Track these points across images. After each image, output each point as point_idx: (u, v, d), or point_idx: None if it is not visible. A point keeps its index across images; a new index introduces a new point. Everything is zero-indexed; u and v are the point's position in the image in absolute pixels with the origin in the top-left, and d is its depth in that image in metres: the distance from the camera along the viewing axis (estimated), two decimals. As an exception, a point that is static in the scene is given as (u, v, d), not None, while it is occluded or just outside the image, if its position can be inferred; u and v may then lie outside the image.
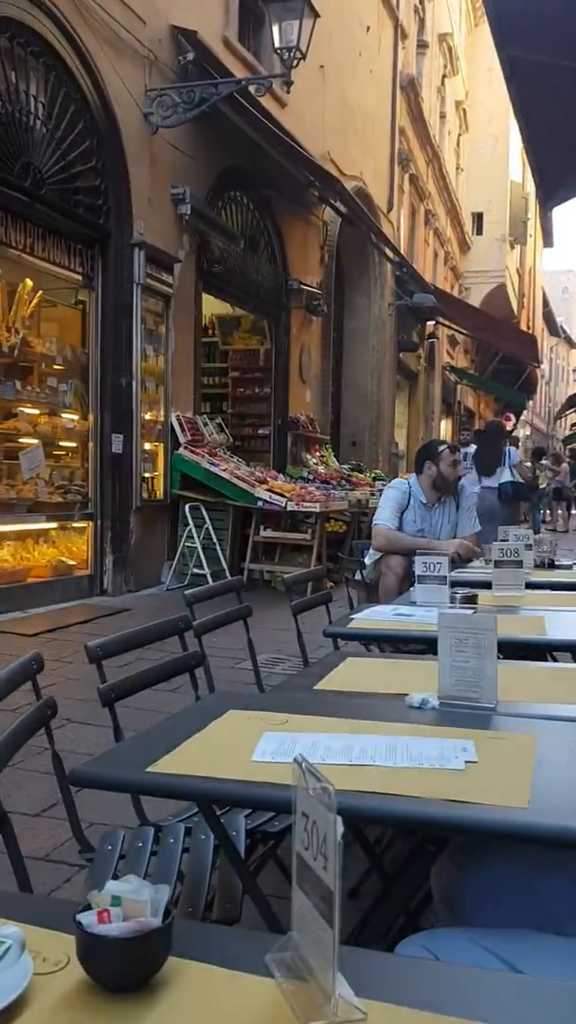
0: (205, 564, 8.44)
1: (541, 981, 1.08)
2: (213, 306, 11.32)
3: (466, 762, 1.60)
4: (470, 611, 2.89)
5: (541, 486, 18.50)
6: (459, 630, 2.08)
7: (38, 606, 7.21)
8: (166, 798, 1.95)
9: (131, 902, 0.96)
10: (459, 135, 26.95)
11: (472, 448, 10.96)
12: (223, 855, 1.87)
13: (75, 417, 8.23)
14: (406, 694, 2.08)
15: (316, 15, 8.96)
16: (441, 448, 5.07)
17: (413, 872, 1.80)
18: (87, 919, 0.95)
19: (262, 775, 1.54)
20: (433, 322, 20.72)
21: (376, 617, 3.28)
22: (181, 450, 8.90)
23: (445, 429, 25.58)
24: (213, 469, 8.78)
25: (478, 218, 28.51)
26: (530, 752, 1.67)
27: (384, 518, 4.96)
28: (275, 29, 8.73)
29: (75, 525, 8.15)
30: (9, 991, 0.91)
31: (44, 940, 1.02)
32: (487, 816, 1.40)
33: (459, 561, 4.84)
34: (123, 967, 0.94)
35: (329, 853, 0.90)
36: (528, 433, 37.66)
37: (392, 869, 2.20)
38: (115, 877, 1.85)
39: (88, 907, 0.97)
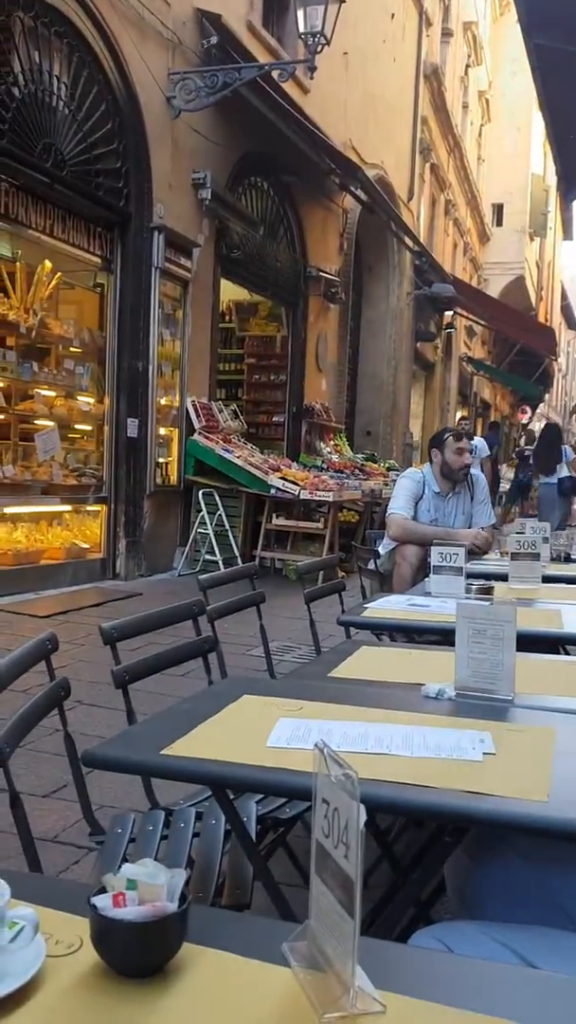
0: (217, 551, 8.44)
1: (557, 977, 1.06)
2: (231, 292, 11.29)
3: (484, 753, 1.58)
4: (487, 603, 2.86)
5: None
6: (477, 621, 2.05)
7: (51, 588, 7.22)
8: (180, 781, 1.94)
9: (147, 886, 0.94)
10: (481, 125, 26.77)
11: (477, 440, 11.54)
12: (234, 840, 1.86)
13: (91, 400, 8.23)
14: (421, 684, 2.06)
15: (341, 0, 8.89)
16: (446, 436, 5.01)
17: (428, 863, 1.78)
18: (102, 902, 0.93)
19: (277, 761, 1.52)
20: (451, 312, 20.65)
21: (390, 607, 3.26)
22: (195, 436, 8.89)
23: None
24: (227, 456, 8.76)
25: (498, 209, 28.34)
26: (549, 745, 1.65)
27: (399, 507, 4.92)
28: (300, 14, 8.66)
29: (89, 508, 8.15)
30: (22, 972, 0.90)
31: (57, 922, 1.01)
32: (506, 808, 1.38)
33: (477, 552, 4.81)
34: (138, 952, 0.92)
35: (351, 841, 0.88)
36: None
37: (403, 859, 2.19)
38: (125, 860, 1.85)
39: (103, 890, 0.95)
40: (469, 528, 5.03)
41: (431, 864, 1.75)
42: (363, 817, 0.87)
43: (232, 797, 1.93)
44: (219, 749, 1.58)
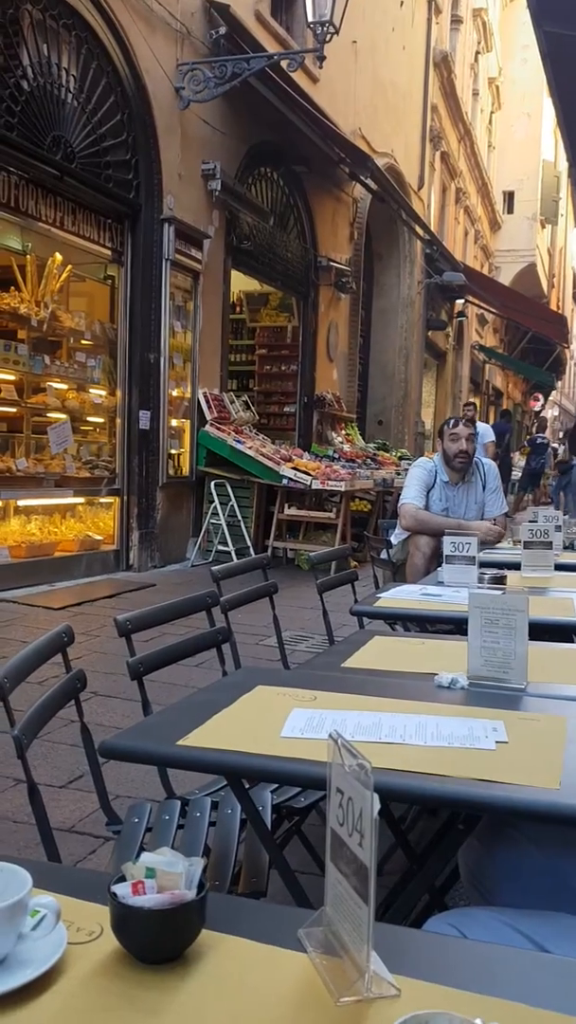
0: (230, 541, 8.46)
1: (569, 961, 1.08)
2: (241, 283, 11.29)
3: (496, 742, 1.59)
4: (499, 592, 2.87)
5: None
6: (490, 610, 2.06)
7: (65, 580, 7.26)
8: (198, 771, 1.96)
9: (165, 874, 0.96)
10: (492, 112, 26.64)
11: (481, 426, 11.75)
12: (250, 829, 1.88)
13: (103, 393, 8.25)
14: (434, 673, 2.07)
15: (350, -12, 8.84)
16: (446, 424, 4.99)
17: (441, 850, 1.79)
18: (122, 890, 0.95)
19: (291, 751, 1.54)
20: (462, 301, 20.58)
21: (403, 596, 3.27)
22: (207, 427, 8.90)
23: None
24: (239, 447, 8.77)
25: (509, 197, 28.22)
26: (561, 733, 1.66)
27: (411, 497, 4.90)
28: (308, 3, 8.62)
29: (102, 500, 8.19)
30: (45, 960, 0.92)
31: (77, 910, 1.03)
32: (518, 796, 1.39)
33: (490, 542, 4.81)
34: (157, 939, 0.94)
35: (365, 829, 0.89)
36: (556, 414, 37.36)
37: (418, 847, 2.21)
38: (142, 850, 1.87)
39: (122, 878, 0.97)
40: (482, 517, 5.02)
41: (445, 851, 1.76)
42: (377, 806, 0.88)
43: (247, 787, 1.95)
44: (234, 739, 1.60)
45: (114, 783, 3.13)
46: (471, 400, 15.43)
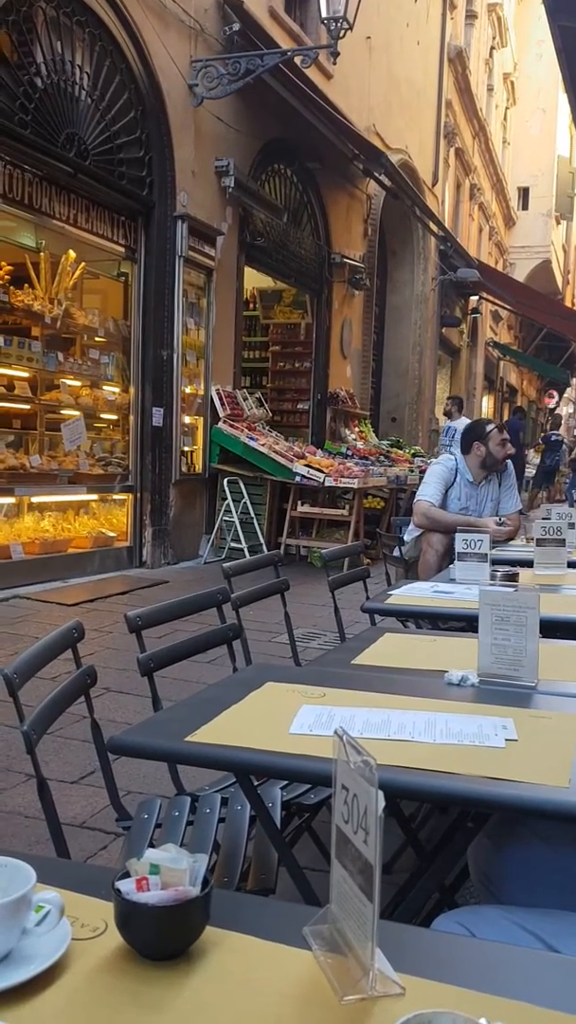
0: (242, 538, 8.47)
1: (579, 961, 1.07)
2: (255, 279, 11.29)
3: (506, 740, 1.58)
4: (511, 589, 2.86)
5: None
6: (500, 607, 2.05)
7: (78, 576, 7.28)
8: (206, 768, 1.96)
9: (169, 870, 0.96)
10: (506, 108, 26.54)
11: (457, 422, 11.86)
12: (259, 826, 1.88)
13: (116, 390, 8.27)
14: (445, 671, 2.06)
15: (364, -16, 8.82)
16: (489, 428, 5.01)
17: (450, 849, 1.79)
18: (126, 886, 0.95)
19: (300, 747, 1.53)
20: (477, 297, 20.52)
21: (415, 593, 3.26)
22: (220, 424, 8.91)
23: (487, 405, 25.37)
24: (252, 444, 8.77)
25: (524, 193, 28.12)
26: (572, 731, 1.65)
27: (428, 494, 4.90)
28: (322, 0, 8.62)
29: (115, 497, 8.20)
30: (49, 955, 0.92)
31: (82, 906, 1.02)
32: (527, 794, 1.39)
33: (502, 539, 4.81)
34: (160, 935, 0.94)
35: (370, 827, 0.89)
36: (571, 411, 37.19)
37: (428, 845, 2.20)
38: (151, 846, 1.87)
39: (126, 874, 0.97)
40: (497, 514, 5.03)
41: (453, 849, 1.75)
42: (382, 803, 0.88)
43: (257, 783, 1.95)
44: (243, 736, 1.60)
45: (125, 779, 3.14)
46: (451, 396, 15.33)
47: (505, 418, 22.15)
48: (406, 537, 5.09)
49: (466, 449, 5.05)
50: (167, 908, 0.93)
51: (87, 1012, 0.86)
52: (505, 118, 26.48)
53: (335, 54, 8.87)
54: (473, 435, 5.06)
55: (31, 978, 0.89)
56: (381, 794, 0.88)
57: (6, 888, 0.96)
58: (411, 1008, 0.80)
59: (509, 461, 5.27)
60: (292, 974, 0.92)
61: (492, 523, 4.81)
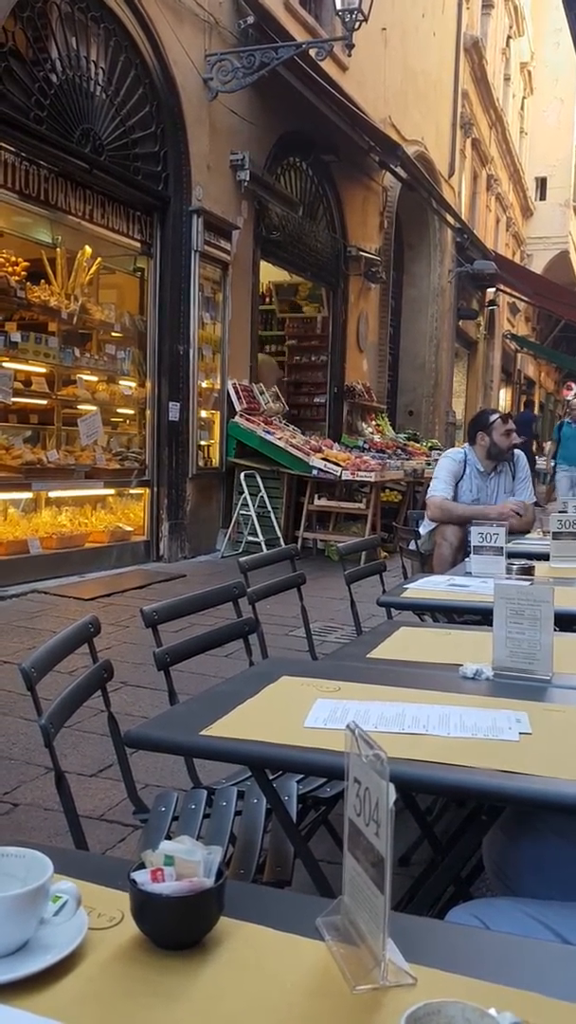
0: (259, 532, 8.48)
1: (592, 953, 1.08)
2: (270, 273, 11.27)
3: (520, 733, 1.59)
4: (527, 582, 2.86)
5: None
6: (515, 601, 2.06)
7: (95, 571, 7.31)
8: (220, 761, 1.97)
9: (184, 862, 0.97)
10: (523, 98, 26.38)
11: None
12: (275, 819, 1.89)
13: (133, 384, 8.29)
14: (460, 664, 2.07)
15: (379, -25, 8.79)
16: (493, 418, 5.02)
17: (465, 841, 1.80)
18: (141, 877, 0.96)
19: (314, 741, 1.55)
20: (494, 289, 20.42)
21: (430, 587, 3.26)
22: (237, 418, 8.92)
23: (504, 398, 25.26)
24: (268, 437, 8.78)
25: (541, 183, 27.96)
26: (585, 725, 1.65)
27: (439, 489, 4.91)
28: (337, -9, 8.60)
29: (132, 492, 8.23)
30: (66, 944, 0.94)
31: (99, 896, 1.04)
32: (541, 788, 1.39)
33: (516, 524, 4.81)
34: (175, 925, 0.95)
35: (381, 819, 0.90)
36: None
37: (444, 838, 2.21)
38: (168, 838, 1.88)
39: (142, 866, 0.98)
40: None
41: (468, 842, 1.76)
42: (393, 796, 0.89)
43: (272, 777, 1.97)
44: (258, 730, 1.61)
45: (143, 772, 3.16)
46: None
47: (522, 411, 22.03)
48: (422, 530, 5.09)
49: (472, 439, 5.06)
50: (181, 898, 0.94)
51: (103, 1000, 0.88)
52: (522, 108, 26.31)
53: (350, 46, 8.84)
54: (477, 425, 5.07)
55: (49, 966, 0.91)
56: (392, 787, 0.89)
57: (24, 878, 0.98)
58: (422, 998, 0.81)
59: (522, 453, 5.27)
60: (305, 964, 0.94)
61: (505, 506, 4.81)
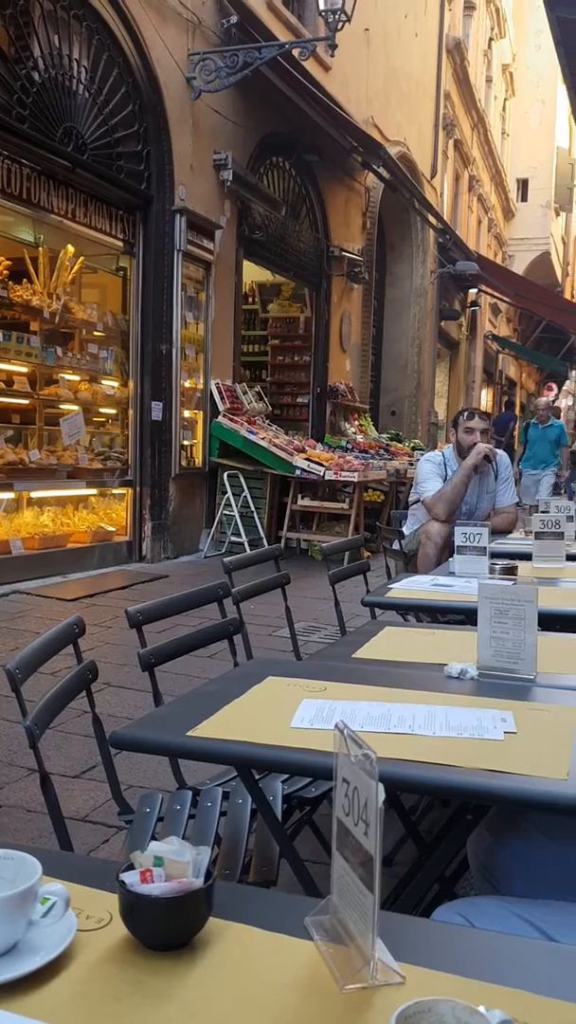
0: (243, 532, 8.48)
1: (577, 951, 1.08)
2: (253, 273, 11.27)
3: (505, 732, 1.60)
4: (510, 582, 2.87)
5: None
6: (499, 601, 2.07)
7: (77, 571, 7.29)
8: (206, 762, 1.97)
9: (173, 863, 0.97)
10: (505, 99, 26.48)
11: None
12: (260, 819, 1.89)
13: (115, 384, 8.27)
14: (444, 664, 2.08)
15: (361, -24, 8.80)
16: (461, 416, 5.02)
17: (450, 840, 1.80)
18: (130, 878, 0.96)
19: (301, 741, 1.55)
20: (475, 290, 20.49)
21: (414, 587, 3.27)
22: (220, 418, 8.91)
23: (486, 398, 25.35)
24: (252, 437, 8.78)
25: (523, 184, 28.05)
26: (570, 723, 1.66)
27: (429, 489, 4.86)
28: (320, -9, 8.60)
29: (114, 492, 8.21)
30: (55, 946, 0.93)
31: (87, 898, 1.04)
32: (525, 786, 1.40)
33: (499, 524, 4.82)
34: (164, 926, 0.95)
35: (370, 819, 0.90)
36: (571, 403, 37.16)
37: (428, 837, 2.22)
38: (154, 839, 1.88)
39: (131, 867, 0.98)
40: (494, 507, 5.03)
41: (453, 841, 1.77)
42: (382, 796, 0.89)
43: (258, 777, 1.97)
44: (244, 730, 1.61)
45: (127, 773, 3.15)
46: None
47: (502, 411, 22.11)
48: (405, 530, 5.09)
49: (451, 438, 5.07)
50: (171, 899, 0.94)
51: (93, 1001, 0.88)
52: (504, 109, 26.41)
53: (333, 46, 8.84)
54: (453, 423, 5.09)
55: (38, 968, 0.91)
56: (381, 787, 0.89)
57: (13, 880, 0.98)
58: (411, 996, 0.81)
59: (504, 454, 5.27)
60: (294, 964, 0.94)
61: (480, 450, 4.79)
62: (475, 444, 4.84)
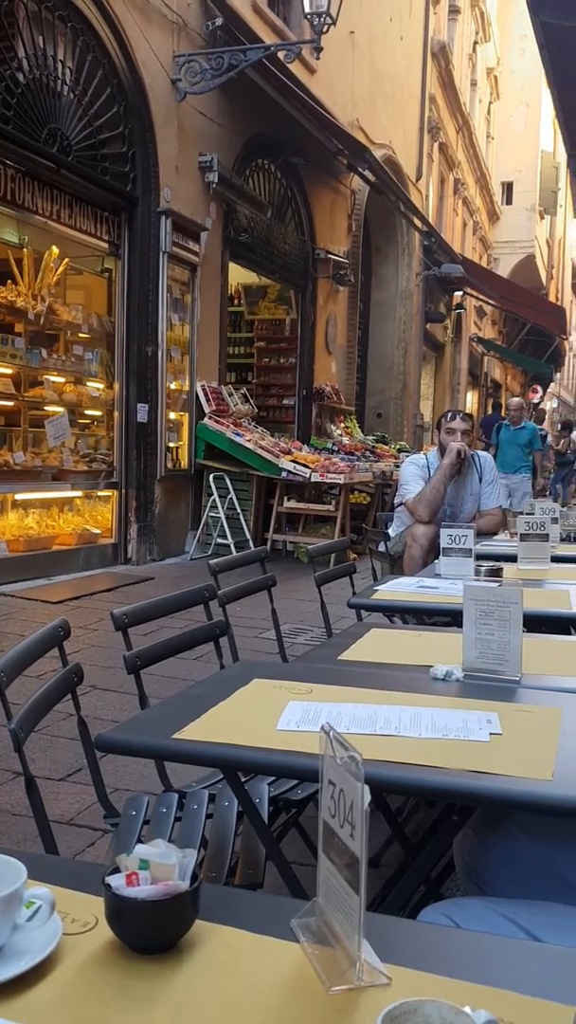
0: (229, 534, 8.47)
1: (561, 950, 1.09)
2: (239, 275, 11.27)
3: (490, 734, 1.60)
4: (495, 584, 2.88)
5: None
6: (484, 602, 2.07)
7: (63, 574, 7.27)
8: (193, 764, 1.97)
9: (159, 866, 0.97)
10: (490, 103, 26.56)
11: None
12: (246, 821, 1.89)
13: (100, 386, 8.25)
14: (430, 666, 2.08)
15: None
16: (444, 418, 5.04)
17: (435, 842, 1.81)
18: (116, 881, 0.96)
19: (287, 743, 1.55)
20: (461, 293, 20.54)
21: (400, 589, 3.28)
22: (206, 420, 8.90)
23: (471, 401, 25.41)
24: (237, 439, 8.78)
25: (508, 188, 28.14)
26: (555, 725, 1.67)
27: (413, 491, 4.88)
28: (305, -6, 8.61)
29: (100, 494, 8.19)
30: (40, 950, 0.93)
31: (72, 901, 1.04)
32: (510, 787, 1.40)
33: (484, 526, 4.83)
34: (151, 929, 0.95)
35: (356, 821, 0.90)
36: (555, 406, 37.32)
37: (414, 839, 2.22)
38: (140, 842, 1.88)
39: (116, 870, 0.98)
40: (479, 510, 5.04)
41: (439, 843, 1.77)
42: (368, 797, 0.89)
43: (244, 779, 1.96)
44: (230, 732, 1.61)
45: (113, 776, 3.15)
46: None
47: (488, 413, 22.16)
48: (391, 532, 5.10)
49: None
50: (157, 902, 0.94)
51: (78, 1005, 0.87)
52: (489, 113, 26.49)
53: (318, 49, 8.86)
54: (436, 425, 5.11)
55: (23, 972, 0.90)
56: (367, 789, 0.89)
57: (-3, 884, 0.97)
58: (397, 997, 0.81)
59: (488, 456, 5.29)
60: (281, 966, 0.94)
61: (454, 448, 4.80)
62: (457, 444, 4.86)
